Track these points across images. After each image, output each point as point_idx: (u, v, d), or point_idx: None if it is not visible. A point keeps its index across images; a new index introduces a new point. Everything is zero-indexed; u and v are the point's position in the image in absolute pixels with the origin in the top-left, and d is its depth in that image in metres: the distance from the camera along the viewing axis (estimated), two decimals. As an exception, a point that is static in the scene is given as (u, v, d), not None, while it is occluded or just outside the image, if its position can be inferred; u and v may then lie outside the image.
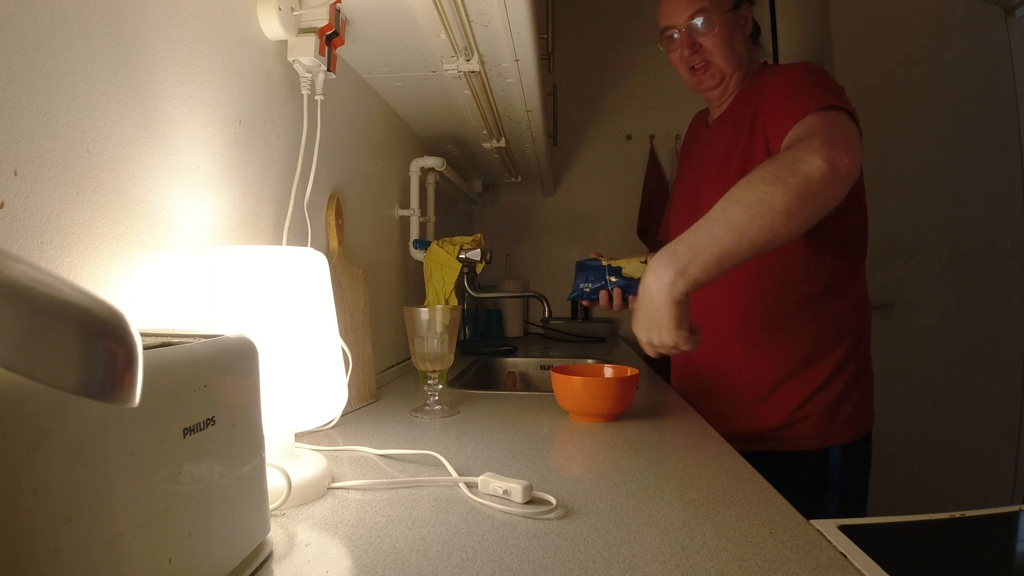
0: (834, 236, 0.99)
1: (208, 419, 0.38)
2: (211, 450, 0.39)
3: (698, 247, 0.77)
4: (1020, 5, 2.11)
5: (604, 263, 1.15)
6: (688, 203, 1.16)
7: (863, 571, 0.45)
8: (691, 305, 0.99)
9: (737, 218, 0.76)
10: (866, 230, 1.05)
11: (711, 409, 1.03)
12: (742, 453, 0.76)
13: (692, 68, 1.08)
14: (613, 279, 1.12)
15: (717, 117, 1.14)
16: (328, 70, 0.85)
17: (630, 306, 1.14)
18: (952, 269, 2.10)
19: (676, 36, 1.07)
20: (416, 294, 1.55)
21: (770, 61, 1.18)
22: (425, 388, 0.99)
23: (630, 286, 1.13)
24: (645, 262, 1.13)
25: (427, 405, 0.97)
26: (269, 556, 0.47)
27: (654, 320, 0.80)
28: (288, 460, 0.61)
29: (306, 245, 0.85)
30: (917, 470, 1.96)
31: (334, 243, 1.00)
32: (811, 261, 1.00)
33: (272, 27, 0.77)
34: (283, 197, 0.83)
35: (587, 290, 1.15)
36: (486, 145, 1.61)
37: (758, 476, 0.66)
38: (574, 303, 2.35)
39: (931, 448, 2.02)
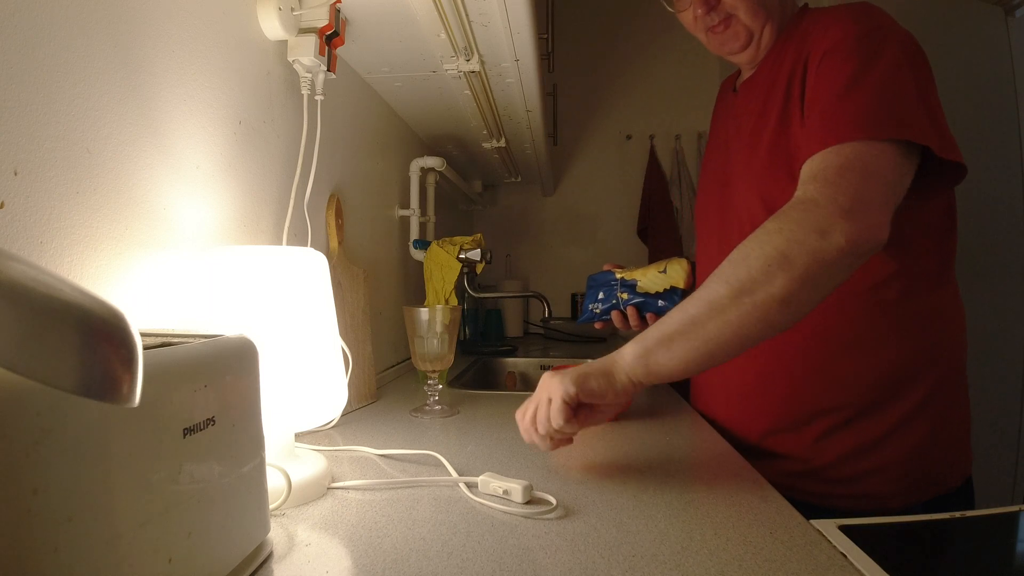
0: (917, 220, 0.73)
1: (208, 419, 0.38)
2: (211, 450, 0.39)
3: (676, 346, 0.63)
4: (1020, 5, 2.11)
5: (617, 276, 1.01)
6: (714, 192, 0.95)
7: (863, 571, 0.45)
8: None
9: (723, 304, 0.61)
10: (955, 213, 0.78)
11: (749, 447, 0.83)
12: (795, 502, 0.60)
13: (711, 28, 0.85)
14: (625, 296, 0.98)
15: (746, 80, 0.90)
16: (328, 70, 0.85)
17: (650, 323, 0.93)
18: (952, 269, 2.09)
19: None
20: (416, 294, 1.55)
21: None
22: (425, 388, 0.99)
23: (647, 303, 0.97)
24: (664, 271, 0.97)
25: (427, 405, 0.97)
26: (269, 556, 0.47)
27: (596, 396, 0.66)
28: (288, 460, 0.61)
29: (306, 245, 0.85)
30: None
31: (334, 243, 1.00)
32: (886, 258, 0.74)
33: (272, 27, 0.77)
34: (283, 197, 0.83)
35: (597, 311, 1.00)
36: (486, 145, 1.61)
37: (758, 476, 0.66)
38: (572, 301, 2.35)
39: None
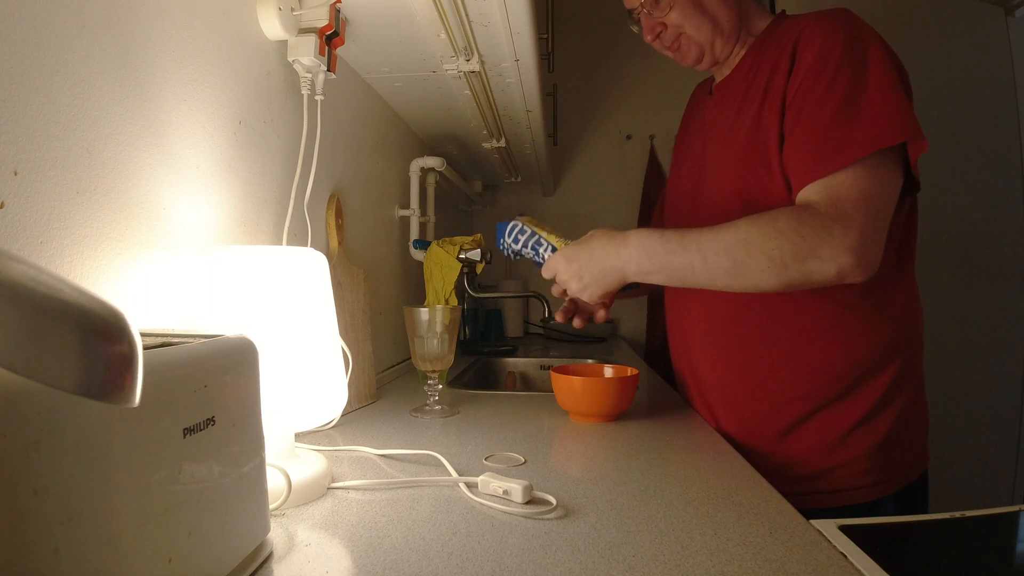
0: None
1: (208, 419, 0.38)
2: (211, 450, 0.39)
3: (670, 269, 0.78)
4: (1020, 5, 2.11)
5: (543, 237, 0.99)
6: (687, 185, 0.98)
7: (863, 571, 0.45)
8: (691, 315, 0.93)
9: (718, 271, 0.75)
10: (916, 213, 0.82)
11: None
12: None
13: (666, 48, 0.93)
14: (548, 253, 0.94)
15: (721, 82, 0.95)
16: (328, 70, 0.85)
17: (598, 318, 0.96)
18: (952, 269, 2.10)
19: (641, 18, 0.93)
20: (416, 294, 1.55)
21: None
22: (425, 388, 0.99)
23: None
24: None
25: (427, 405, 0.97)
26: (269, 556, 0.47)
27: (596, 281, 0.84)
28: (288, 460, 0.61)
29: (306, 245, 0.85)
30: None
31: (334, 243, 1.00)
32: None
33: (272, 27, 0.77)
34: (283, 197, 0.83)
35: (515, 249, 1.01)
36: (486, 145, 1.61)
37: (758, 476, 0.66)
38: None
39: (931, 448, 2.02)
